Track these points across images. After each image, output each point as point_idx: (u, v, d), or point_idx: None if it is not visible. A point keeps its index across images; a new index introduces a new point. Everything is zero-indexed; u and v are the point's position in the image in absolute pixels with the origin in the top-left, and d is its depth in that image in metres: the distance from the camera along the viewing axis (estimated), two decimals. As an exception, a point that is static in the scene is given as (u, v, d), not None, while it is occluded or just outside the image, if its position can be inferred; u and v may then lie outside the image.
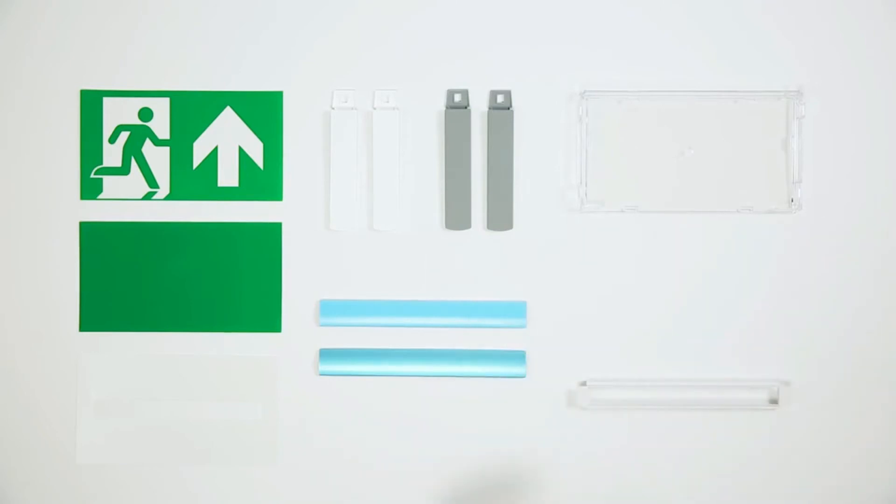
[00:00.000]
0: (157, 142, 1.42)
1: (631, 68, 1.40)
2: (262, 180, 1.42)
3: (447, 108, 1.41)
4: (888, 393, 1.39)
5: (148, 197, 1.42)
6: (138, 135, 1.42)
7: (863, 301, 1.39)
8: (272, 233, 1.41)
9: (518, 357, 1.40)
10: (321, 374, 1.41)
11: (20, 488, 1.42)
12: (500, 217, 1.41)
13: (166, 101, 1.42)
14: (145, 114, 1.42)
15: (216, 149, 1.42)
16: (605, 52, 1.40)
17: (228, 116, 1.42)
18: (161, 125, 1.42)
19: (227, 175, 1.42)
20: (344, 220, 1.41)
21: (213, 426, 1.41)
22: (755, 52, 1.40)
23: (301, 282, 1.41)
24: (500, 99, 1.41)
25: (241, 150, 1.42)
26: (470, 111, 1.41)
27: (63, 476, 1.42)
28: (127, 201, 1.42)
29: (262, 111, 1.41)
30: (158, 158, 1.42)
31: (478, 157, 1.41)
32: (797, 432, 1.39)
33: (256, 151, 1.42)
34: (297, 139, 1.42)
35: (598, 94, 1.39)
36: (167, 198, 1.42)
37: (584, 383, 1.40)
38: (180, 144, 1.42)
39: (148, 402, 1.41)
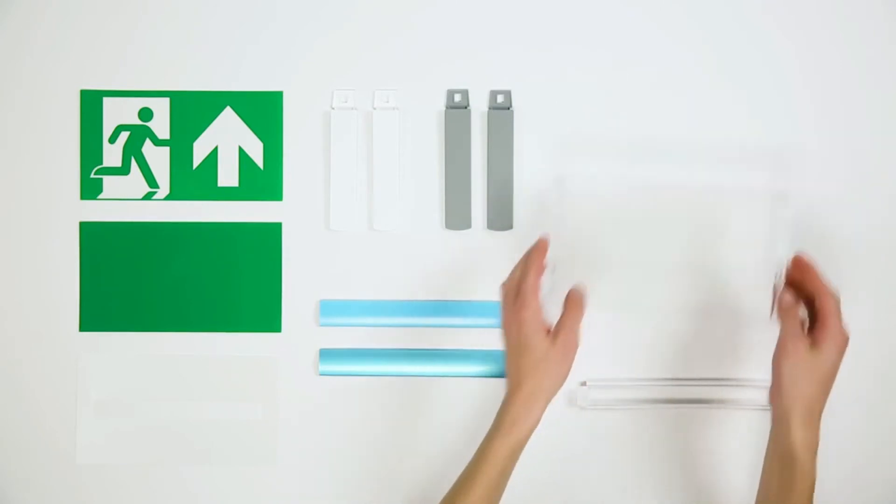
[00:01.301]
0: (157, 142, 1.42)
1: (630, 69, 1.40)
2: (262, 180, 1.42)
3: (447, 108, 1.41)
4: (888, 393, 1.39)
5: (148, 197, 1.42)
6: (138, 135, 1.42)
7: (861, 300, 1.39)
8: (272, 233, 1.41)
9: (518, 357, 1.40)
10: (321, 374, 1.41)
11: (20, 488, 1.42)
12: (500, 217, 1.41)
13: (166, 101, 1.42)
14: (145, 114, 1.42)
15: (216, 149, 1.42)
16: (605, 53, 1.41)
17: (228, 116, 1.42)
18: (161, 125, 1.42)
19: (227, 175, 1.42)
20: (344, 220, 1.41)
21: (213, 426, 1.41)
22: (753, 50, 1.40)
23: (301, 282, 1.41)
24: (500, 99, 1.41)
25: (241, 150, 1.42)
26: (470, 111, 1.41)
27: (63, 476, 1.42)
28: (127, 201, 1.42)
29: (262, 111, 1.41)
30: (158, 158, 1.42)
31: (478, 157, 1.41)
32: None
33: (256, 151, 1.42)
34: (297, 139, 1.42)
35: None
36: (167, 198, 1.42)
37: (584, 383, 1.40)
38: (180, 144, 1.42)
39: (148, 402, 1.41)
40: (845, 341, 1.22)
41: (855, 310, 1.38)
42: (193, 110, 1.41)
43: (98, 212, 1.42)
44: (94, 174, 1.42)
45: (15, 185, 1.41)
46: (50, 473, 1.41)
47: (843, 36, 1.40)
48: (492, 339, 1.40)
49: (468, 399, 1.40)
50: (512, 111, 1.40)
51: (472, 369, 1.40)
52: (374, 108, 1.41)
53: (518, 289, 1.25)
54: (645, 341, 1.39)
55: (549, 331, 1.24)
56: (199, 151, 1.42)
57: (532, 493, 1.40)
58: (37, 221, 1.41)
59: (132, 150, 1.42)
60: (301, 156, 1.41)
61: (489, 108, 1.41)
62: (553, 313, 1.27)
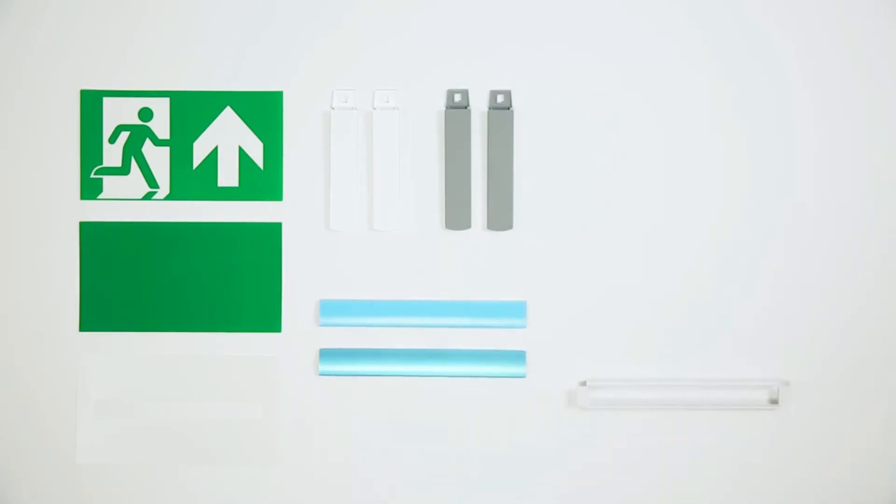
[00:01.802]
0: (157, 142, 1.42)
1: (629, 70, 1.40)
2: (262, 180, 1.42)
3: (447, 108, 1.41)
4: (888, 393, 1.39)
5: (148, 197, 1.42)
6: (138, 135, 1.42)
7: (862, 301, 1.39)
8: (272, 233, 1.41)
9: (518, 357, 1.40)
10: (321, 374, 1.41)
11: (20, 488, 1.42)
12: (500, 217, 1.41)
13: (166, 101, 1.42)
14: (145, 114, 1.42)
15: (216, 149, 1.42)
16: (604, 53, 1.41)
17: (228, 116, 1.42)
18: (161, 125, 1.42)
19: (227, 175, 1.42)
20: (344, 220, 1.41)
21: (213, 426, 1.41)
22: (753, 51, 1.40)
23: (301, 282, 1.41)
24: (500, 99, 1.41)
25: (241, 150, 1.42)
26: (470, 111, 1.41)
27: (63, 476, 1.42)
28: (127, 201, 1.42)
29: (262, 111, 1.41)
30: (158, 158, 1.42)
31: (478, 157, 1.41)
32: (797, 432, 1.39)
33: (256, 151, 1.42)
34: (297, 139, 1.42)
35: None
36: (167, 198, 1.42)
37: (584, 383, 1.40)
38: (180, 144, 1.42)
39: (148, 402, 1.41)
40: None
41: (856, 310, 1.38)
42: (193, 110, 1.41)
43: (98, 212, 1.42)
44: (94, 174, 1.42)
45: (15, 185, 1.41)
46: (50, 473, 1.41)
47: (843, 36, 1.40)
48: (492, 339, 1.40)
49: (468, 399, 1.40)
50: (512, 111, 1.40)
51: (473, 369, 1.40)
52: (374, 108, 1.41)
53: None
54: (645, 340, 1.39)
55: None
56: (199, 151, 1.42)
57: (531, 495, 1.40)
58: (37, 221, 1.41)
59: (132, 150, 1.42)
60: (301, 156, 1.41)
61: (489, 108, 1.41)
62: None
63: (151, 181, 1.42)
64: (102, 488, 1.41)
